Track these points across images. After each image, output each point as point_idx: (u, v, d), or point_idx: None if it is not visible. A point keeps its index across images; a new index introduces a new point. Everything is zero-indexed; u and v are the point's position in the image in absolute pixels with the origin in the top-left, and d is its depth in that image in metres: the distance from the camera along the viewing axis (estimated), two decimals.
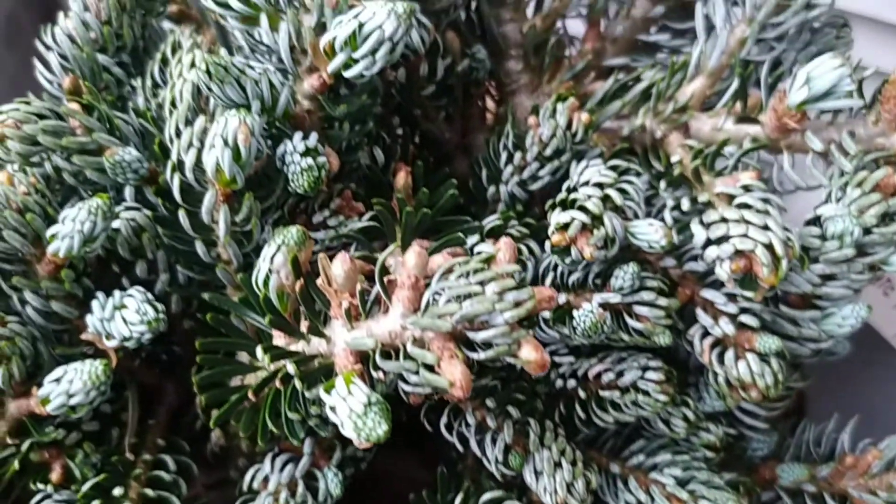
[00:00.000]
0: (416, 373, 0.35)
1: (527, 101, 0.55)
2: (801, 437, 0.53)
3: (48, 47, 0.49)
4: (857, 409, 0.52)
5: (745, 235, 0.39)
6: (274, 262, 0.38)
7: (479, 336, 0.34)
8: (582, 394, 0.45)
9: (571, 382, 0.46)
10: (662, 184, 0.47)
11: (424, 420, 0.48)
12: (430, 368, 0.34)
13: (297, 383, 0.36)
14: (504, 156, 0.49)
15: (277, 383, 0.38)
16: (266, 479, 0.44)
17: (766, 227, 0.40)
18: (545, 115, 0.47)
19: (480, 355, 0.34)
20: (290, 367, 0.36)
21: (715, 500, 0.45)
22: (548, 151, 0.47)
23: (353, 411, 0.33)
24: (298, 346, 0.38)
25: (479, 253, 0.35)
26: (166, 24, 0.53)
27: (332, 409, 0.34)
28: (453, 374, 0.34)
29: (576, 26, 0.57)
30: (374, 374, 0.36)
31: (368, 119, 0.46)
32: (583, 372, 0.46)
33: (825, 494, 0.51)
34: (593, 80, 0.54)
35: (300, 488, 0.44)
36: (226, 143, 0.39)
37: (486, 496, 0.45)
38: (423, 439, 0.50)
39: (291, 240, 0.38)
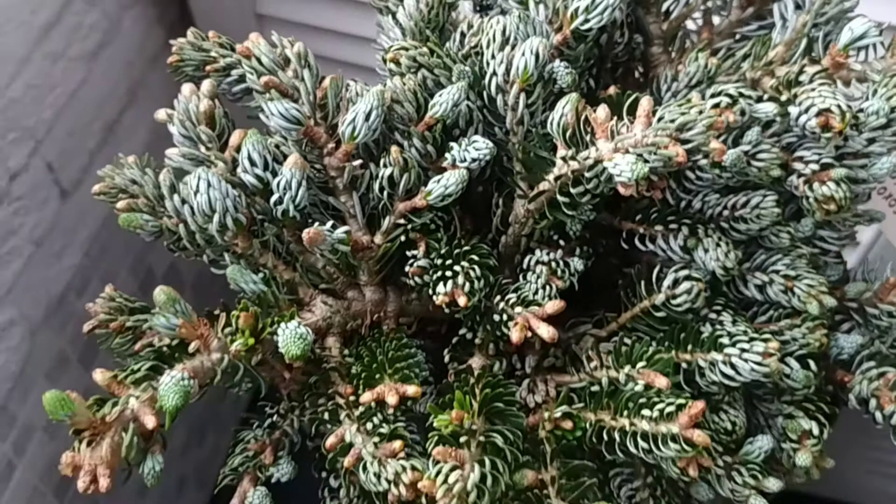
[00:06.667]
0: (654, 154, 0.65)
1: (664, 73, 0.87)
2: (857, 269, 0.82)
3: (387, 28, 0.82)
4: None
5: (823, 100, 0.70)
6: (564, 109, 0.69)
7: (688, 134, 0.64)
8: (725, 213, 0.75)
9: (717, 209, 0.76)
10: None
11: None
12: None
13: (594, 168, 0.66)
14: (665, 86, 0.80)
15: (569, 172, 0.68)
16: (538, 262, 0.73)
17: (835, 97, 0.71)
18: (689, 60, 0.79)
19: (688, 147, 0.65)
20: (575, 164, 0.66)
21: (811, 279, 0.74)
22: (693, 81, 0.79)
23: (631, 167, 0.63)
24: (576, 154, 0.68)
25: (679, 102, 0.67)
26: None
27: (616, 165, 0.64)
28: (679, 153, 0.64)
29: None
30: None
31: (589, 61, 0.78)
32: (723, 203, 0.76)
33: (878, 304, 0.80)
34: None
35: (562, 264, 0.73)
36: (531, 52, 0.71)
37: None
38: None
39: (573, 98, 0.69)
